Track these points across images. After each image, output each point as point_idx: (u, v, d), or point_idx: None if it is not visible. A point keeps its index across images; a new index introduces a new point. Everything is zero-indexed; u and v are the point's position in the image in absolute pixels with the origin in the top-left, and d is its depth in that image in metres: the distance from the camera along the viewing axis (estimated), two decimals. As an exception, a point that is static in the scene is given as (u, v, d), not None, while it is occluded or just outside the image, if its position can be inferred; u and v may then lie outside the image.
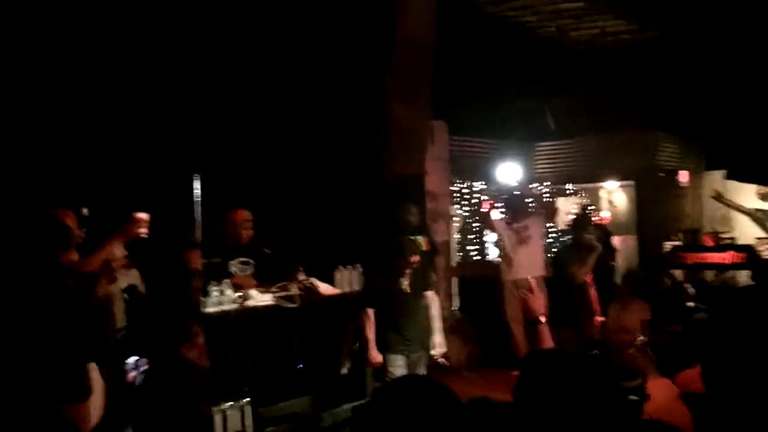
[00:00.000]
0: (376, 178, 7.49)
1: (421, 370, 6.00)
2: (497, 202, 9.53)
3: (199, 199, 5.03)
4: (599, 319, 7.67)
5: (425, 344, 6.09)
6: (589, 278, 7.73)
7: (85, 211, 4.82)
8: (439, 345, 6.25)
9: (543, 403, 2.11)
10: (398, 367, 5.81)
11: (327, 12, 7.31)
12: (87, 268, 4.23)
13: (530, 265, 8.04)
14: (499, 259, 8.35)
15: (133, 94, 6.30)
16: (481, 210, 10.44)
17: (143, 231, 4.49)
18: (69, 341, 3.93)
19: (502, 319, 8.00)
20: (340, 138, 7.59)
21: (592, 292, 7.87)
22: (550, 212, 9.14)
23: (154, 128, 6.31)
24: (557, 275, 7.69)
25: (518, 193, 9.27)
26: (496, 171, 10.27)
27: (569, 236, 8.13)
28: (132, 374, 4.97)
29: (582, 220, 8.19)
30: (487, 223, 8.85)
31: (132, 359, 4.98)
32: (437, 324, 6.29)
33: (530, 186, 10.71)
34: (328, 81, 7.46)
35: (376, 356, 5.88)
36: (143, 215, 4.50)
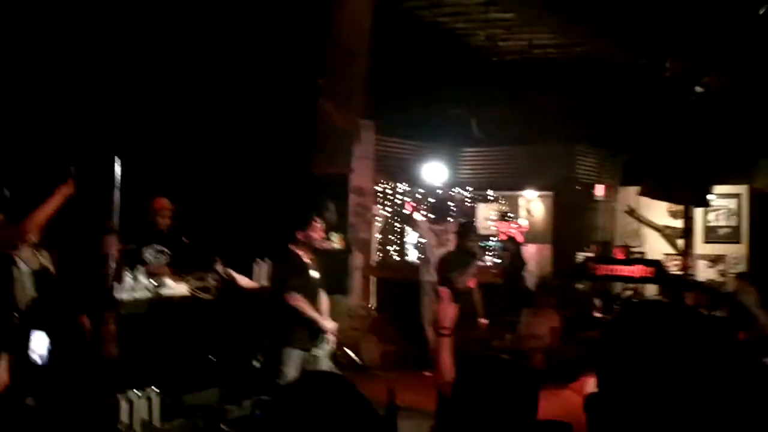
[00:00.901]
0: (302, 175, 7.49)
1: (324, 366, 6.01)
2: (421, 204, 9.67)
3: (119, 184, 4.94)
4: (484, 321, 7.82)
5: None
6: (473, 283, 7.83)
7: (5, 192, 4.69)
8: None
9: (476, 408, 2.29)
10: (294, 362, 5.80)
11: (264, 10, 7.28)
12: (30, 226, 4.09)
13: None
14: (419, 261, 8.46)
15: (57, 72, 6.14)
16: (405, 210, 10.56)
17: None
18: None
19: (419, 321, 8.11)
20: (268, 135, 7.57)
21: (477, 297, 8.03)
22: (469, 217, 9.32)
23: (79, 107, 6.17)
24: (441, 281, 7.84)
25: (441, 196, 9.43)
26: (422, 172, 10.39)
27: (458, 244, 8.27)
28: (35, 355, 4.83)
29: (466, 227, 8.35)
30: (410, 223, 8.96)
31: (37, 337, 4.84)
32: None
33: (453, 190, 10.89)
34: (261, 78, 7.44)
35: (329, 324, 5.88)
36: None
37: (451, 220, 8.58)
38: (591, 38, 9.74)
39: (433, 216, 8.41)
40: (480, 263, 10.47)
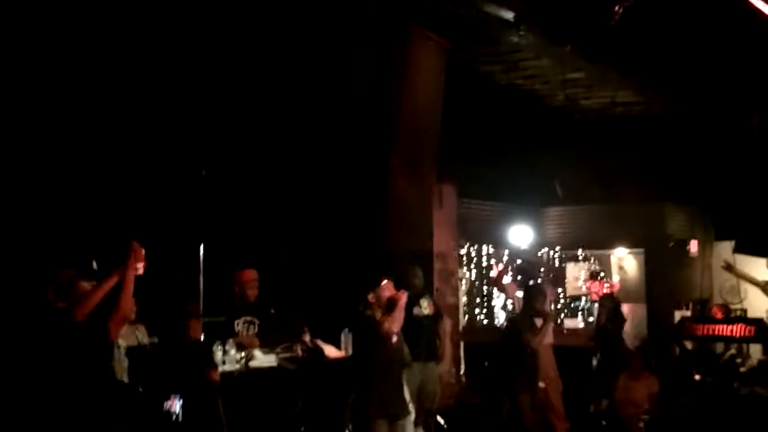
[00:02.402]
0: (380, 249, 7.55)
1: None
2: (508, 266, 9.57)
3: (203, 266, 5.07)
4: (542, 385, 7.62)
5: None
6: (547, 342, 7.61)
7: (94, 264, 4.87)
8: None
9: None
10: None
11: (334, 89, 7.47)
12: (82, 309, 4.19)
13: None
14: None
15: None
16: (491, 273, 10.45)
17: (140, 267, 4.39)
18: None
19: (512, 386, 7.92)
20: (346, 210, 7.68)
21: (548, 357, 7.90)
22: (558, 279, 9.15)
23: (158, 196, 6.43)
24: (512, 343, 7.65)
25: (530, 258, 9.32)
26: (508, 234, 10.29)
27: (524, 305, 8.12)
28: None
29: (534, 289, 8.17)
30: (499, 286, 8.84)
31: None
32: None
33: (540, 251, 10.72)
34: (334, 156, 7.59)
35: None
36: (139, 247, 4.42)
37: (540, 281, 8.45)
38: (670, 96, 9.61)
39: (521, 278, 8.29)
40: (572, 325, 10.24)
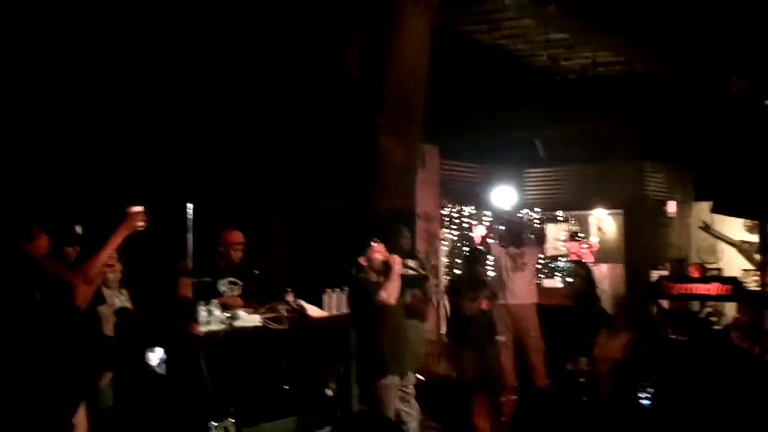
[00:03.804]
0: (362, 211, 7.60)
1: (411, 392, 5.99)
2: (492, 228, 9.64)
3: (191, 225, 5.09)
4: (500, 339, 7.86)
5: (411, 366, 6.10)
6: (485, 305, 7.73)
7: (78, 229, 4.87)
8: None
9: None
10: (392, 392, 5.74)
11: (320, 49, 7.45)
12: (90, 270, 4.25)
13: (524, 293, 8.16)
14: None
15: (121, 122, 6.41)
16: (472, 234, 10.52)
17: (141, 224, 4.50)
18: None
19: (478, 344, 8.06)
20: (332, 168, 7.70)
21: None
22: (541, 239, 9.24)
23: (148, 156, 6.42)
24: (453, 304, 7.83)
25: (517, 220, 9.40)
26: (491, 196, 10.34)
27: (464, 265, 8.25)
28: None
29: (476, 254, 8.28)
30: (483, 247, 8.92)
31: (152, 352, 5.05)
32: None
33: (521, 212, 10.79)
34: (322, 116, 7.59)
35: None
36: (138, 208, 4.52)
37: (528, 244, 8.52)
38: (651, 57, 9.62)
39: (508, 239, 8.38)
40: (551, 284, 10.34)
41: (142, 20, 6.48)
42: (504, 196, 10.23)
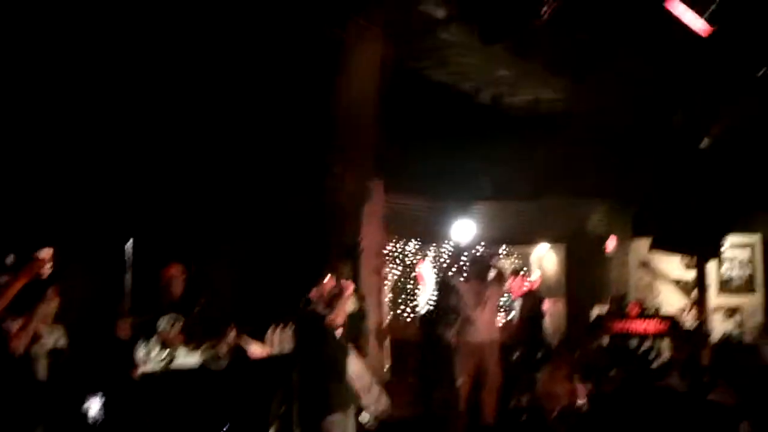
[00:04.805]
0: (316, 241, 7.55)
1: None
2: (456, 262, 9.67)
3: (131, 262, 4.96)
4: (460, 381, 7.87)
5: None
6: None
7: (10, 258, 4.70)
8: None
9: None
10: (338, 427, 5.66)
11: (272, 85, 7.41)
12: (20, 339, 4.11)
13: (487, 329, 8.15)
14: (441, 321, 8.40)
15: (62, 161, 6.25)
16: (419, 270, 10.51)
17: (46, 269, 4.39)
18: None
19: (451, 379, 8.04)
20: (281, 201, 7.64)
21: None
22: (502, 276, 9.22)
23: (86, 196, 6.26)
24: (425, 337, 7.83)
25: (483, 255, 9.43)
26: (448, 230, 10.36)
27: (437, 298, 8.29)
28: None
29: (448, 283, 8.33)
30: (446, 283, 8.88)
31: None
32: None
33: (482, 247, 10.83)
34: (271, 150, 7.54)
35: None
36: (44, 253, 4.41)
37: (492, 279, 8.52)
38: (592, 96, 9.83)
39: (472, 274, 8.41)
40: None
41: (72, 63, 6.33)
42: (463, 229, 10.25)
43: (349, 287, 5.79)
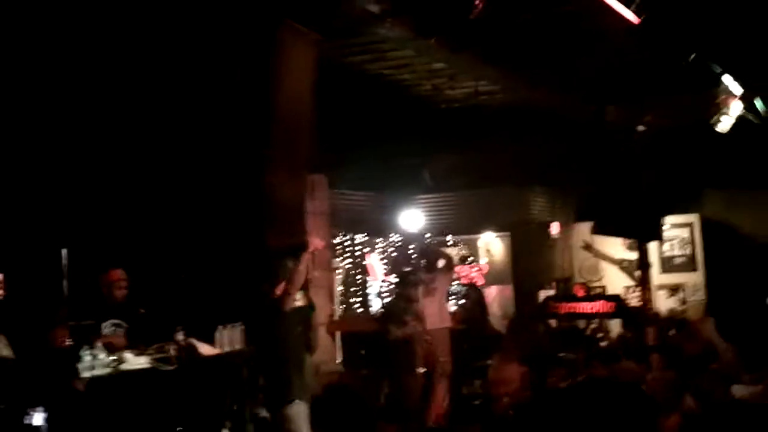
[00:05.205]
0: (256, 244, 7.52)
1: None
2: (404, 253, 9.74)
3: (66, 270, 4.89)
4: (420, 370, 7.91)
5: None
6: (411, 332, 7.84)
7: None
8: None
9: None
10: (303, 417, 5.67)
11: (206, 85, 7.35)
12: None
13: (436, 317, 8.24)
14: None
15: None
16: (367, 262, 10.58)
17: None
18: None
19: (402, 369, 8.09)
20: (221, 206, 7.60)
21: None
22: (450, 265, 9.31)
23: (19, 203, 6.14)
24: (383, 330, 7.91)
25: (431, 246, 9.51)
26: (395, 221, 10.43)
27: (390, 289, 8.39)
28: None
29: (408, 277, 8.44)
30: (396, 271, 8.96)
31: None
32: None
33: (428, 237, 10.91)
34: (207, 151, 7.49)
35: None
36: None
37: (439, 270, 8.60)
38: (529, 87, 9.98)
39: (423, 265, 8.49)
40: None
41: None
42: (409, 221, 10.33)
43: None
